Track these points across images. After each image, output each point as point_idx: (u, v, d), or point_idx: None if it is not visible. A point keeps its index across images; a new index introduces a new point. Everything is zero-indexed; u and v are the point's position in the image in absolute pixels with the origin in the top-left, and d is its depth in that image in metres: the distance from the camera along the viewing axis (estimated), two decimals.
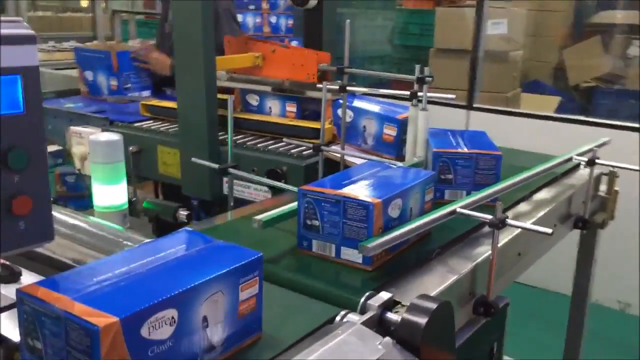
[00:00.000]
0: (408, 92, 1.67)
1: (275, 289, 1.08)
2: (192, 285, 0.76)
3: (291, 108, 2.34)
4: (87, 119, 2.52)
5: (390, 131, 1.97)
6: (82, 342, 0.66)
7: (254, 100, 2.43)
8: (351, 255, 1.14)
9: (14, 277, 1.04)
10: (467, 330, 1.25)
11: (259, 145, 2.16)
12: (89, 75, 3.01)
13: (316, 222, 1.16)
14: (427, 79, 1.59)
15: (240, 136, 2.26)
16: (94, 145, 1.27)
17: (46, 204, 0.83)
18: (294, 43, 3.34)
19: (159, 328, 0.71)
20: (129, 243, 1.04)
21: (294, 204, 1.25)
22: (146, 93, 2.97)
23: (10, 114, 0.77)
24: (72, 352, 0.68)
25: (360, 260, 1.14)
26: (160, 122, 2.49)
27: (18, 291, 0.73)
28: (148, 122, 2.51)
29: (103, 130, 2.18)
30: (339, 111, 2.01)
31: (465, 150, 1.51)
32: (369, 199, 1.12)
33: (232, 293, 0.82)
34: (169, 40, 3.24)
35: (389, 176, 1.29)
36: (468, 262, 1.26)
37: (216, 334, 0.81)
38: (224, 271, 0.81)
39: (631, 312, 3.75)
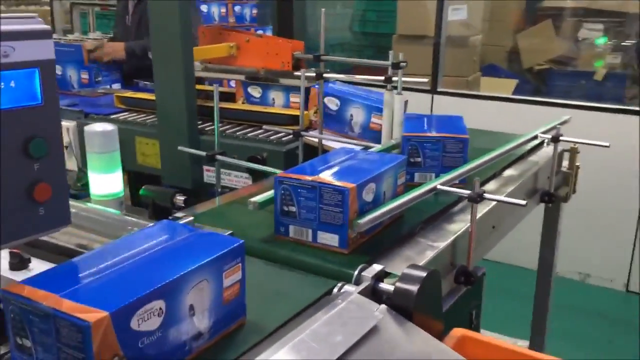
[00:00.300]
0: (383, 77, 1.75)
1: (274, 266, 1.15)
2: (178, 275, 0.77)
3: (295, 99, 2.35)
4: (60, 113, 2.51)
5: (378, 120, 2.01)
6: (73, 339, 0.67)
7: (256, 92, 2.45)
8: (328, 239, 1.18)
9: (23, 264, 1.08)
10: (449, 298, 1.34)
11: (238, 133, 2.20)
12: (57, 69, 2.99)
13: (293, 208, 1.19)
14: (402, 64, 1.66)
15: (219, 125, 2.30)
16: (90, 136, 1.31)
17: (64, 190, 0.87)
18: (260, 32, 3.38)
19: (148, 319, 0.72)
20: (135, 228, 1.08)
21: None
22: (117, 86, 2.99)
23: (30, 105, 0.81)
24: (63, 348, 0.68)
25: (336, 244, 1.17)
26: (136, 114, 2.51)
27: (3, 291, 0.73)
28: (124, 114, 2.52)
29: (79, 124, 2.18)
30: (326, 100, 2.06)
31: (434, 134, 1.56)
32: (344, 184, 1.15)
33: (217, 280, 0.84)
34: (131, 32, 3.27)
35: (363, 161, 1.32)
36: (448, 236, 1.34)
37: (203, 321, 0.82)
38: (207, 260, 0.82)
39: (591, 282, 3.93)
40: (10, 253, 1.08)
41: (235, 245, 0.87)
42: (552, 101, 3.94)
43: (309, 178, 1.18)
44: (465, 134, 1.57)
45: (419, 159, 1.55)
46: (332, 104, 2.11)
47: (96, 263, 0.79)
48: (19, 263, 1.08)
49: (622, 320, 3.52)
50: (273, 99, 2.42)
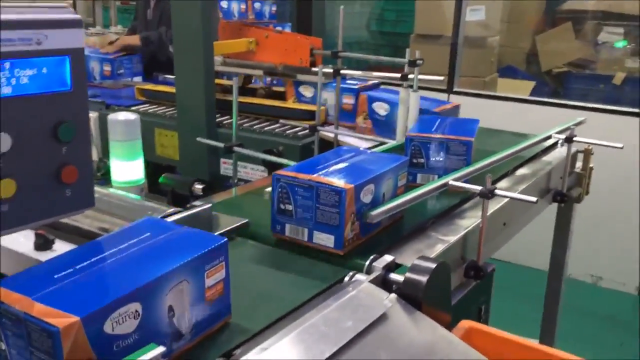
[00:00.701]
0: (399, 75, 1.77)
1: (288, 254, 1.18)
2: (155, 277, 0.75)
3: (348, 100, 2.27)
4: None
5: None
6: (44, 344, 0.65)
7: (308, 92, 2.42)
8: (323, 239, 1.16)
9: (47, 244, 1.12)
10: (458, 292, 1.36)
11: (255, 126, 2.24)
12: None
13: (289, 207, 1.17)
14: (419, 61, 1.68)
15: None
16: (113, 124, 1.35)
17: (89, 173, 0.91)
18: (279, 29, 3.42)
19: (123, 323, 0.71)
20: (155, 213, 1.12)
21: None
22: (137, 78, 3.04)
23: (60, 91, 0.85)
24: (35, 352, 0.67)
25: (332, 245, 1.15)
26: (156, 106, 2.56)
27: None
28: (144, 105, 2.58)
29: (101, 115, 2.24)
30: (374, 105, 2.05)
31: (437, 135, 1.53)
32: (341, 185, 1.13)
33: (198, 281, 0.82)
34: (152, 27, 3.34)
35: (364, 161, 1.29)
36: (459, 230, 1.36)
37: (183, 322, 0.80)
38: (186, 260, 0.80)
39: (603, 285, 3.92)
40: (36, 234, 1.12)
41: (217, 243, 0.84)
42: (568, 103, 3.94)
43: (306, 177, 1.16)
44: (471, 136, 1.53)
45: (422, 160, 1.53)
46: (381, 109, 2.09)
47: (75, 263, 0.78)
48: (43, 244, 1.12)
49: (633, 324, 3.51)
50: (325, 99, 2.35)
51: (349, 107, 2.29)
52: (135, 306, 0.72)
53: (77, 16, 0.86)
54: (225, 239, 0.85)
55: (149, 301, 0.74)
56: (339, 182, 1.14)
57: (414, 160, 1.54)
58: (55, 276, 0.74)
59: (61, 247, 1.13)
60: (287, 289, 1.05)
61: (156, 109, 2.52)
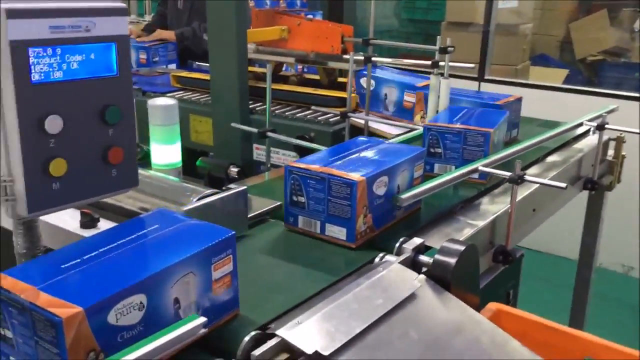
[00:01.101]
0: (430, 62, 1.79)
1: (318, 241, 1.20)
2: (160, 269, 0.75)
3: (410, 98, 2.14)
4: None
5: None
6: (47, 333, 0.67)
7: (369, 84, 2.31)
8: (336, 232, 1.15)
9: (93, 222, 1.18)
10: (487, 276, 1.38)
11: (287, 113, 2.28)
12: None
13: (302, 199, 1.17)
14: (449, 49, 1.70)
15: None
16: (152, 109, 1.40)
17: (134, 155, 0.96)
18: (310, 17, 3.45)
19: (127, 314, 0.71)
20: (192, 194, 1.16)
21: None
22: (172, 66, 3.11)
23: (106, 76, 0.90)
24: (39, 341, 0.68)
25: (344, 237, 1.15)
26: (191, 93, 2.62)
27: None
28: (179, 92, 2.64)
29: (137, 102, 2.30)
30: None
31: (456, 125, 1.51)
32: (353, 177, 1.11)
33: (204, 273, 0.81)
34: (183, 16, 3.41)
35: (379, 152, 1.27)
36: (487, 215, 1.38)
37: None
38: (193, 253, 0.79)
39: (634, 275, 3.87)
40: (82, 213, 1.18)
41: (224, 237, 0.84)
42: (601, 91, 3.88)
43: (318, 169, 1.15)
44: (491, 128, 1.50)
45: (439, 150, 1.52)
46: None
47: (82, 253, 0.78)
48: (89, 222, 1.18)
49: None
50: (385, 94, 2.22)
51: (410, 105, 2.17)
52: (140, 298, 0.73)
53: (123, 4, 0.91)
54: (233, 232, 0.86)
55: (155, 293, 0.75)
56: (350, 174, 1.13)
57: (432, 150, 1.52)
58: (62, 266, 0.75)
59: (105, 225, 1.18)
60: (307, 274, 1.07)
61: (190, 96, 2.58)
